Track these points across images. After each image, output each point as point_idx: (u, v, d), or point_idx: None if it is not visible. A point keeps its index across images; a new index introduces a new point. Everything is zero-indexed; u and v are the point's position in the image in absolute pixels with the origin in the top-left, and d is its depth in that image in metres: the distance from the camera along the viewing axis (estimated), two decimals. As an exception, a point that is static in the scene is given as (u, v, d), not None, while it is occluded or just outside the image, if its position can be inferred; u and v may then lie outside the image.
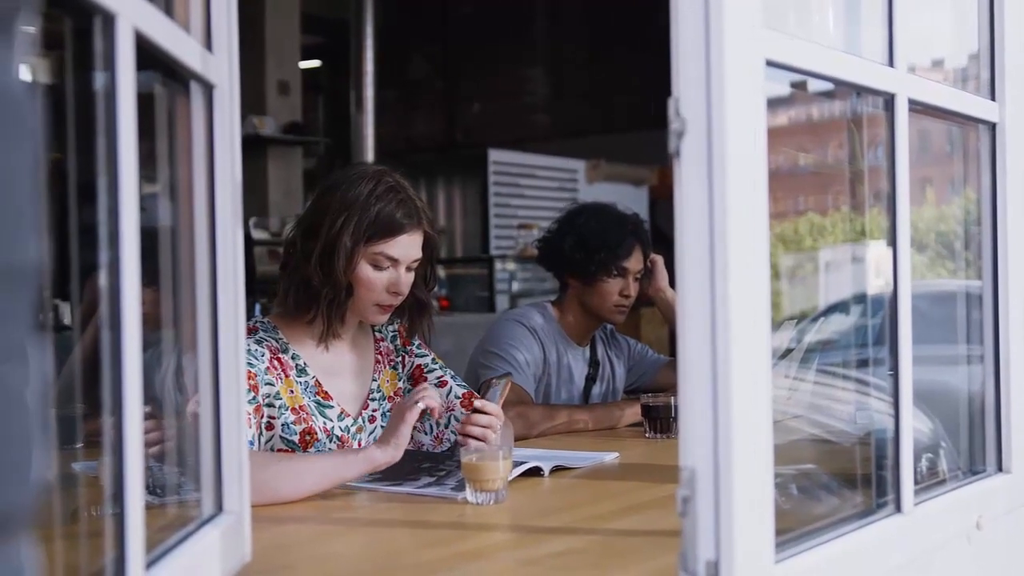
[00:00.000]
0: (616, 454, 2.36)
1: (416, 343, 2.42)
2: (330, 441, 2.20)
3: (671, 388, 2.97)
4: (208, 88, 1.33)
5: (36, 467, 0.56)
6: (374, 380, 2.34)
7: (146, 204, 1.10)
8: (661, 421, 2.64)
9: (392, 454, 1.94)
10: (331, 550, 1.65)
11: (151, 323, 1.17)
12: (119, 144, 0.98)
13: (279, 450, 2.13)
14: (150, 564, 1.08)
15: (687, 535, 1.18)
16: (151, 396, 1.12)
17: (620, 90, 9.32)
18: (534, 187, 8.25)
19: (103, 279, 0.98)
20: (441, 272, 7.66)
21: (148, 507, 1.05)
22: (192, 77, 1.29)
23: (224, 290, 1.35)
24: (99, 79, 0.99)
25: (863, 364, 1.89)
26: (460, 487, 1.91)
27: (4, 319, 0.53)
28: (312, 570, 1.54)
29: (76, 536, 1.20)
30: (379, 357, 2.37)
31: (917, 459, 1.62)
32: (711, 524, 1.16)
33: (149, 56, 1.09)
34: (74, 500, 1.41)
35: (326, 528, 1.76)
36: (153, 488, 1.31)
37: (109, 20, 0.97)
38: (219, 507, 1.36)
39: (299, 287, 2.19)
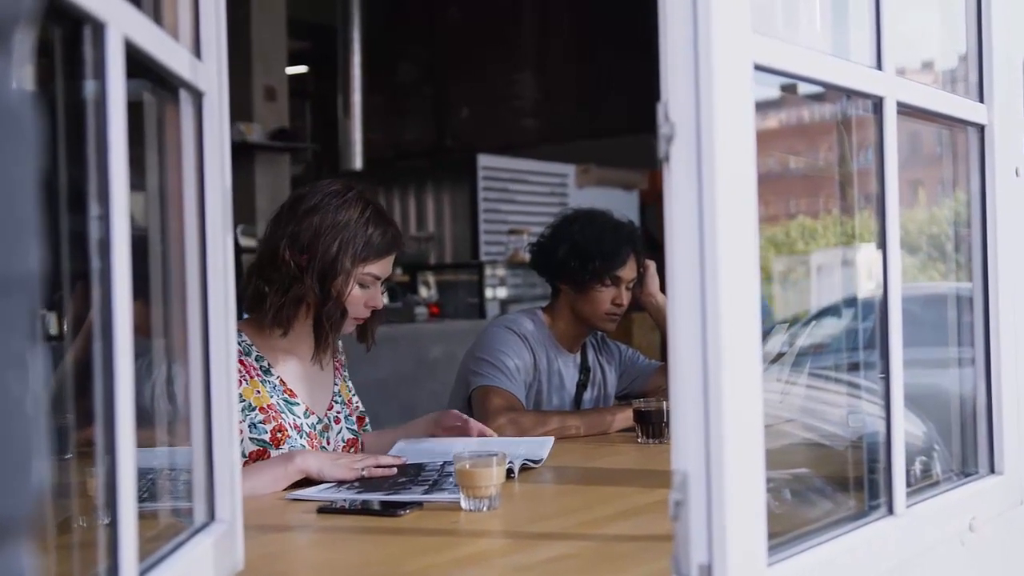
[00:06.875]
0: (551, 439, 2.43)
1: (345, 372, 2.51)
2: (300, 437, 2.26)
3: (662, 393, 2.97)
4: (197, 96, 1.32)
5: (36, 474, 0.57)
6: (335, 385, 2.43)
7: (134, 212, 1.10)
8: (653, 426, 2.64)
9: (313, 465, 2.08)
10: (323, 558, 1.65)
11: (140, 333, 1.16)
12: (110, 152, 0.98)
13: (251, 452, 2.16)
14: (142, 573, 1.08)
15: (679, 539, 1.18)
16: (141, 406, 1.12)
17: (609, 94, 9.33)
18: (524, 192, 8.24)
19: (95, 288, 0.98)
20: (431, 278, 7.65)
21: (140, 515, 1.05)
22: (181, 85, 1.28)
23: (215, 299, 1.35)
24: (88, 87, 0.99)
25: (855, 367, 1.90)
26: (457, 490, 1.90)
27: (6, 327, 0.53)
28: (305, 578, 1.54)
29: (67, 546, 1.20)
30: (337, 365, 2.46)
31: (911, 462, 1.62)
32: (703, 527, 1.16)
33: (137, 64, 1.09)
34: (63, 510, 1.40)
35: (318, 536, 1.76)
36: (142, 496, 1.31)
37: (99, 28, 0.97)
38: (211, 516, 1.35)
39: (291, 304, 2.24)
